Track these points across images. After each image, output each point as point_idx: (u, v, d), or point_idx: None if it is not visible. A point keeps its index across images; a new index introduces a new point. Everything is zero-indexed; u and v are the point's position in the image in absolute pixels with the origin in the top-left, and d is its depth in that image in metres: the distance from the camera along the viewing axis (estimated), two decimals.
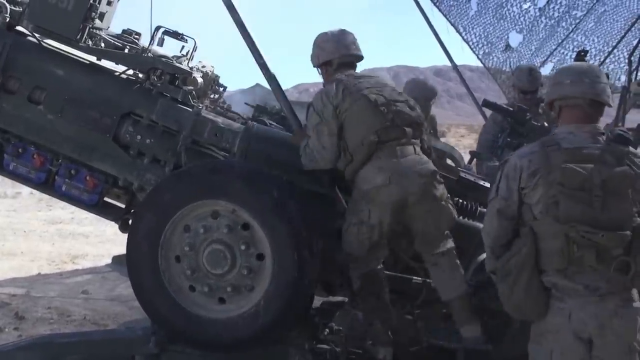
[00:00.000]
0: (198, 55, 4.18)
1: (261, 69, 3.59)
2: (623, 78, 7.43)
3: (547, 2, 8.15)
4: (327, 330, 3.57)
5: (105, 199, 3.96)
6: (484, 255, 3.44)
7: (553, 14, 8.23)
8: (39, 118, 3.74)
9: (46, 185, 3.86)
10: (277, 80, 3.60)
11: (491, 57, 8.50)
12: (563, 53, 8.36)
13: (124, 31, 4.22)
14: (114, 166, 3.76)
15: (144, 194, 3.63)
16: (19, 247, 7.18)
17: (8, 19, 3.77)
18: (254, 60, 3.56)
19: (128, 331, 3.96)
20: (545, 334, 2.57)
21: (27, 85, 3.74)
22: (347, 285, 3.67)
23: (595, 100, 2.60)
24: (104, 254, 6.91)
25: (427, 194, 3.30)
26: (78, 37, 3.72)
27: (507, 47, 8.41)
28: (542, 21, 8.26)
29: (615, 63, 7.83)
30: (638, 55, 7.25)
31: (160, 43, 3.98)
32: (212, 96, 4.41)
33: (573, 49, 8.11)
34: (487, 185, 3.87)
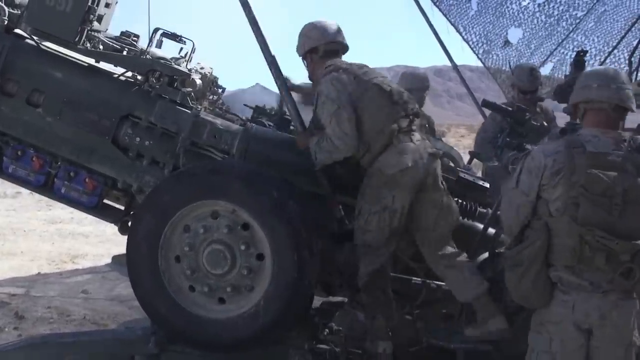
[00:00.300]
0: (196, 57, 4.20)
1: (270, 67, 3.57)
2: None
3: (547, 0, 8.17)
4: (327, 330, 3.59)
5: (105, 201, 3.97)
6: (484, 256, 3.48)
7: (552, 12, 8.25)
8: (37, 120, 3.76)
9: (45, 187, 3.87)
10: (284, 78, 3.60)
11: (491, 56, 8.52)
12: (563, 53, 8.38)
13: (122, 33, 4.24)
14: (113, 168, 3.79)
15: (143, 196, 3.65)
16: (19, 246, 7.19)
17: (6, 22, 3.79)
18: (263, 58, 3.54)
19: (128, 331, 3.99)
20: (546, 324, 2.68)
21: (26, 88, 3.75)
22: (346, 285, 3.69)
23: (620, 106, 2.71)
24: (103, 254, 6.93)
25: (438, 177, 3.40)
26: (76, 39, 3.74)
27: (507, 43, 8.43)
28: (541, 19, 8.27)
29: (616, 63, 7.85)
30: (638, 56, 7.27)
31: (159, 45, 4.00)
32: (210, 97, 4.43)
33: (573, 48, 8.13)
34: (487, 185, 3.90)
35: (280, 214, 3.24)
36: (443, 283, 3.57)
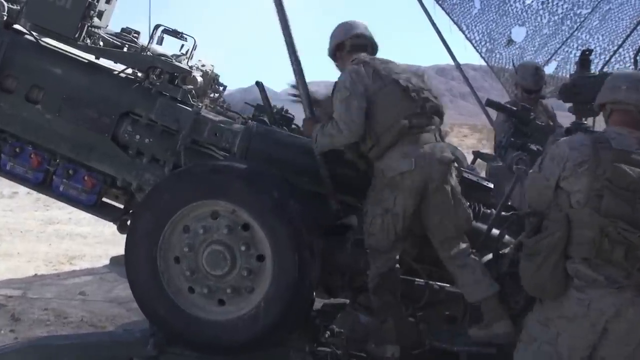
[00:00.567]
0: (198, 54, 4.20)
1: (292, 64, 3.59)
2: None
3: None
4: (328, 332, 3.58)
5: (104, 199, 3.97)
6: (488, 257, 3.47)
7: (556, 10, 8.21)
8: (36, 117, 3.75)
9: (44, 185, 3.86)
10: (304, 76, 3.61)
11: (494, 54, 8.49)
12: (567, 51, 8.34)
13: (122, 30, 4.23)
14: (112, 166, 3.78)
15: (143, 194, 3.65)
16: (16, 247, 7.17)
17: (5, 17, 3.78)
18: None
19: (126, 333, 3.97)
20: (556, 319, 2.71)
21: (25, 84, 3.75)
22: (348, 286, 3.68)
23: None
24: (101, 255, 6.91)
25: (446, 183, 3.34)
26: (76, 35, 3.74)
27: (510, 41, 8.40)
28: (545, 17, 8.24)
29: (621, 62, 7.82)
30: None
31: (160, 41, 3.99)
32: (211, 95, 4.42)
33: (577, 47, 8.10)
34: (491, 185, 3.88)
35: (281, 214, 3.23)
36: (446, 284, 3.56)
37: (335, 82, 3.45)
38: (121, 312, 4.83)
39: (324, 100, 3.81)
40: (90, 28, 3.85)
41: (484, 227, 3.65)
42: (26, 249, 7.10)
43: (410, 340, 3.47)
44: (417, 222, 3.40)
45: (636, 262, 2.59)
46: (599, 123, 3.98)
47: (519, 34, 8.36)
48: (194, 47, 4.12)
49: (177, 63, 3.82)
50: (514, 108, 4.84)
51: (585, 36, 8.29)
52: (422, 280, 3.59)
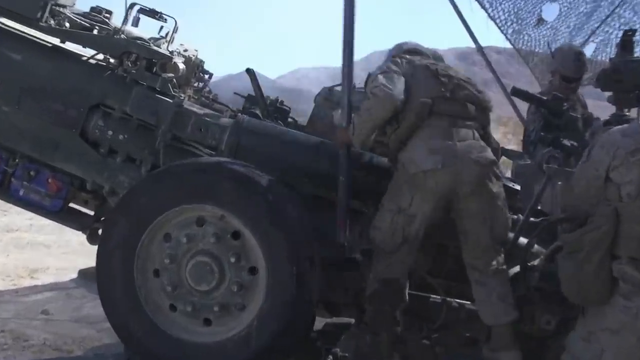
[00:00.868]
0: (179, 37, 4.23)
1: (344, 67, 3.64)
2: None
3: None
4: (331, 356, 3.59)
5: (71, 204, 4.01)
6: (515, 270, 3.50)
7: None
8: None
9: (0, 189, 3.90)
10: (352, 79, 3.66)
11: (522, 36, 8.49)
12: (607, 32, 8.34)
13: (92, 9, 4.26)
14: (80, 166, 3.82)
15: (116, 199, 3.68)
16: None
17: None
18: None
19: (97, 358, 4.00)
20: (599, 333, 2.74)
21: None
22: (353, 304, 3.71)
23: None
24: (68, 267, 6.89)
25: (483, 187, 3.36)
26: (39, 15, 3.78)
27: (540, 21, 8.40)
28: None
29: None
30: None
31: (135, 23, 4.03)
32: (195, 84, 4.46)
33: (619, 27, 8.10)
34: (517, 187, 3.92)
35: (276, 220, 3.27)
36: (467, 302, 3.59)
37: (369, 74, 3.59)
38: (91, 334, 4.83)
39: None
40: (54, 7, 3.89)
41: (510, 235, 3.68)
42: None
43: None
44: (437, 229, 3.45)
45: None
46: None
47: (550, 11, 8.37)
48: (175, 30, 4.15)
49: (155, 47, 3.85)
50: (544, 97, 4.86)
51: (629, 14, 8.29)
52: (438, 296, 3.63)
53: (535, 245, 3.55)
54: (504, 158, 5.19)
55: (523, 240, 3.59)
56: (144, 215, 3.37)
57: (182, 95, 3.86)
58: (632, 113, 4.48)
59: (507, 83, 6.86)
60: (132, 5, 3.98)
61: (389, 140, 3.48)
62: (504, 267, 3.46)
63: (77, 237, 4.63)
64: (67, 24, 4.02)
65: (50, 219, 4.04)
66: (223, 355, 3.32)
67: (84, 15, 4.18)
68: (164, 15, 4.10)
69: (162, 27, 4.14)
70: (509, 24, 8.35)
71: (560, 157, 4.07)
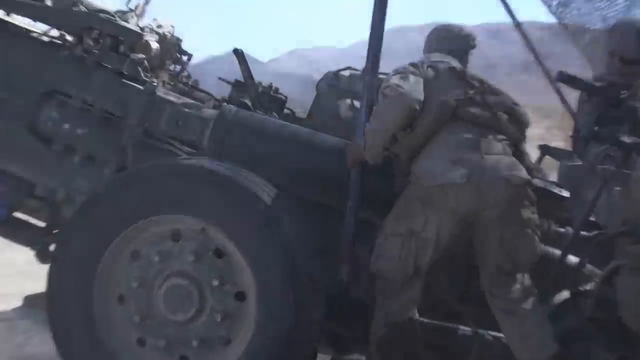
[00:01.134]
0: (152, 11, 4.23)
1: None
2: None
3: None
4: None
5: (16, 214, 4.00)
6: (563, 296, 3.49)
7: None
8: None
9: None
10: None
11: (569, 9, 8.51)
12: None
13: None
14: (28, 167, 3.83)
15: (73, 207, 3.67)
16: None
17: None
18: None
19: None
20: None
21: None
22: (363, 338, 3.69)
23: None
24: (11, 293, 6.91)
25: (512, 213, 3.36)
26: None
27: None
28: None
29: None
30: None
31: None
32: (172, 68, 4.46)
33: None
34: (565, 194, 3.91)
35: (269, 234, 3.25)
36: (503, 334, 3.57)
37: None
38: None
39: None
40: None
41: (557, 252, 3.67)
42: None
43: None
44: (466, 246, 3.45)
45: None
46: None
47: None
48: (147, 1, 4.15)
49: (122, 23, 3.86)
50: (598, 84, 4.85)
51: None
52: (468, 328, 3.62)
53: (588, 266, 3.54)
54: (548, 158, 5.18)
55: (573, 259, 3.58)
56: (107, 229, 3.35)
57: (155, 80, 3.86)
58: None
59: (551, 67, 6.85)
60: None
61: (399, 148, 3.48)
62: (533, 288, 3.44)
63: (24, 255, 4.60)
64: None
65: None
66: None
67: None
68: None
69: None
70: None
71: (618, 157, 4.05)
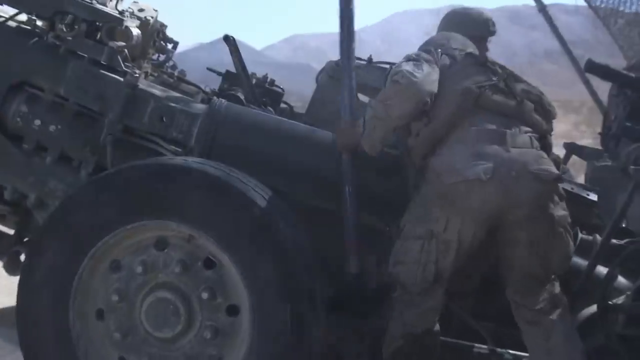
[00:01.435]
0: None
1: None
2: None
3: None
4: None
5: None
6: (590, 310, 3.51)
7: None
8: None
9: None
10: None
11: None
12: None
13: None
14: None
15: (46, 213, 3.70)
16: None
17: None
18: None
19: None
20: None
21: None
22: (369, 356, 3.71)
23: None
24: None
25: (542, 211, 3.36)
26: None
27: None
28: None
29: None
30: None
31: None
32: (155, 57, 4.46)
33: None
34: (593, 197, 3.92)
35: (264, 242, 3.27)
36: (524, 354, 3.59)
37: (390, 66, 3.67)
38: None
39: None
40: None
41: (584, 262, 3.69)
42: None
43: None
44: (484, 255, 3.47)
45: None
46: None
47: None
48: None
49: (99, 6, 3.86)
50: (631, 74, 4.86)
51: None
52: (485, 346, 3.64)
53: (619, 277, 3.56)
54: (575, 158, 5.21)
55: (602, 270, 3.60)
56: (84, 236, 3.36)
57: (137, 71, 3.85)
58: None
59: (579, 54, 6.88)
60: None
61: (415, 141, 3.51)
62: (563, 298, 3.46)
63: None
64: None
65: None
66: None
67: None
68: None
69: None
70: None
71: None
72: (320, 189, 3.67)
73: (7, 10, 3.93)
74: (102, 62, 3.81)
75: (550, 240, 3.38)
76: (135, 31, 4.01)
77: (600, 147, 5.32)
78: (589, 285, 3.59)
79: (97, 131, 3.75)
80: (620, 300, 3.47)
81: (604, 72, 4.94)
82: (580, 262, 3.72)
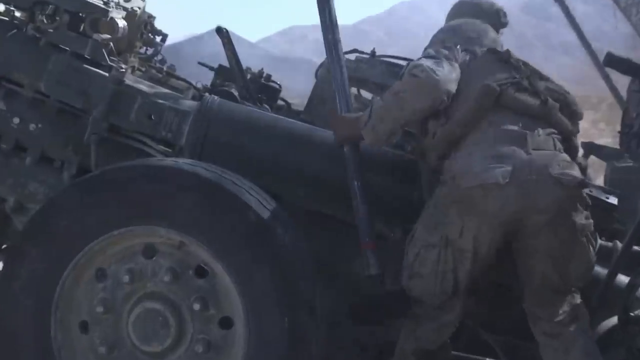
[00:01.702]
0: None
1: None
2: None
3: None
4: None
5: None
6: (610, 322, 3.51)
7: None
8: None
9: None
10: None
11: None
12: None
13: None
14: None
15: (25, 218, 3.70)
16: None
17: None
18: None
19: None
20: None
21: None
22: None
23: None
24: None
25: (563, 219, 3.36)
26: None
27: None
28: None
29: None
30: None
31: None
32: (143, 50, 4.46)
33: None
34: (613, 201, 3.93)
35: (261, 250, 3.27)
36: None
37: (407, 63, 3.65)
38: None
39: None
40: None
41: (604, 271, 3.69)
42: None
43: None
44: (494, 263, 3.47)
45: None
46: None
47: None
48: None
49: None
50: None
51: None
52: None
53: None
54: (593, 158, 5.21)
55: (623, 279, 3.60)
56: (67, 243, 3.36)
57: (123, 66, 3.86)
58: None
59: (598, 47, 6.88)
60: None
61: (430, 142, 3.51)
62: (584, 310, 3.47)
63: None
64: None
65: None
66: None
67: None
68: None
69: None
70: None
71: None
72: (320, 192, 3.67)
73: None
74: (85, 56, 3.81)
75: (571, 249, 3.39)
76: (121, 23, 4.00)
77: (619, 147, 5.32)
78: (609, 296, 3.58)
79: (81, 130, 3.75)
80: None
81: (625, 66, 4.95)
82: (599, 270, 3.71)
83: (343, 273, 3.67)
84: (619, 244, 3.75)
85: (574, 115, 3.63)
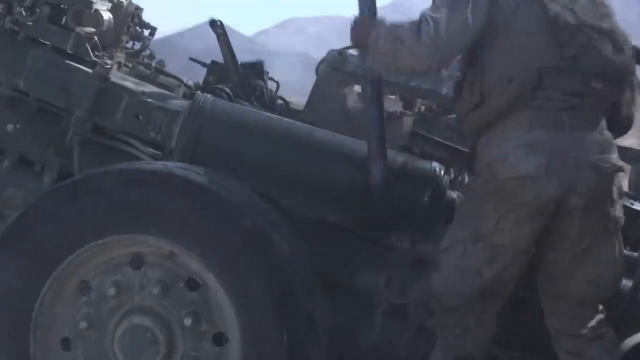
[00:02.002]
0: None
1: None
2: None
3: None
4: None
5: None
6: (635, 339, 3.52)
7: None
8: None
9: None
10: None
11: None
12: None
13: None
14: None
15: (3, 225, 3.69)
16: None
17: None
18: None
19: None
20: None
21: None
22: None
23: None
24: None
25: (597, 207, 3.34)
26: None
27: None
28: None
29: None
30: None
31: None
32: (129, 45, 4.47)
33: None
34: (638, 206, 3.92)
35: (256, 259, 3.27)
36: None
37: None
38: None
39: None
40: None
41: (628, 283, 3.70)
42: None
43: None
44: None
45: None
46: None
47: None
48: None
49: None
50: None
51: None
52: None
53: None
54: None
55: None
56: (47, 253, 3.35)
57: (109, 61, 3.87)
58: None
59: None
60: None
61: (465, 117, 3.49)
62: (610, 331, 3.47)
63: None
64: None
65: None
66: None
67: None
68: None
69: None
70: None
71: None
72: (321, 197, 3.68)
73: None
74: (67, 51, 3.83)
75: (600, 243, 3.36)
76: (107, 15, 4.01)
77: None
78: (634, 310, 3.59)
79: (63, 131, 3.77)
80: None
81: None
82: (624, 282, 3.72)
83: (345, 284, 3.67)
84: None
85: (621, 82, 3.51)
